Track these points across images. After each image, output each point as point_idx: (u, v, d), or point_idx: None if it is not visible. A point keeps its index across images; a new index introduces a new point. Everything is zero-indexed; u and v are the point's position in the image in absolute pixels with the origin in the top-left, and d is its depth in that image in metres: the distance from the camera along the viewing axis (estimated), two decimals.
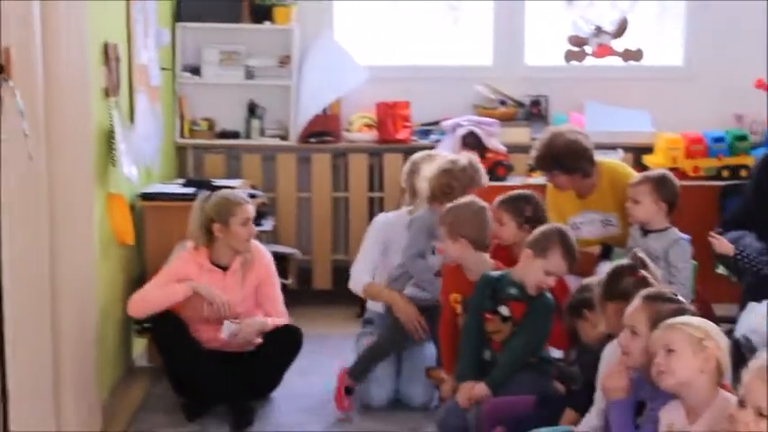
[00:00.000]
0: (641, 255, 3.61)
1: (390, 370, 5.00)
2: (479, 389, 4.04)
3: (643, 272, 3.51)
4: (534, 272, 4.08)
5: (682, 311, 3.16)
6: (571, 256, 4.09)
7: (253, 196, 5.37)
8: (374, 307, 5.22)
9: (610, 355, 3.42)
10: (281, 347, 4.91)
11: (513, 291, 4.12)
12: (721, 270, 5.80)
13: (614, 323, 3.46)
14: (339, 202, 6.80)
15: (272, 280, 5.05)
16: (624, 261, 3.62)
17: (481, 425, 3.91)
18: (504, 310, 4.13)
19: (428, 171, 4.94)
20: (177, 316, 4.79)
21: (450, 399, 4.18)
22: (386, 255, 5.11)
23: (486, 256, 4.44)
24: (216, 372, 4.76)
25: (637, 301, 3.23)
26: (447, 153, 5.33)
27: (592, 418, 3.49)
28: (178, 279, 4.80)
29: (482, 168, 4.99)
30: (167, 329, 4.78)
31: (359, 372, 4.86)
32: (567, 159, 5.02)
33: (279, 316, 5.00)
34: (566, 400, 3.81)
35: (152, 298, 4.78)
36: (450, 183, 4.83)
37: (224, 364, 4.80)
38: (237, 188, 5.67)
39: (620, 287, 3.49)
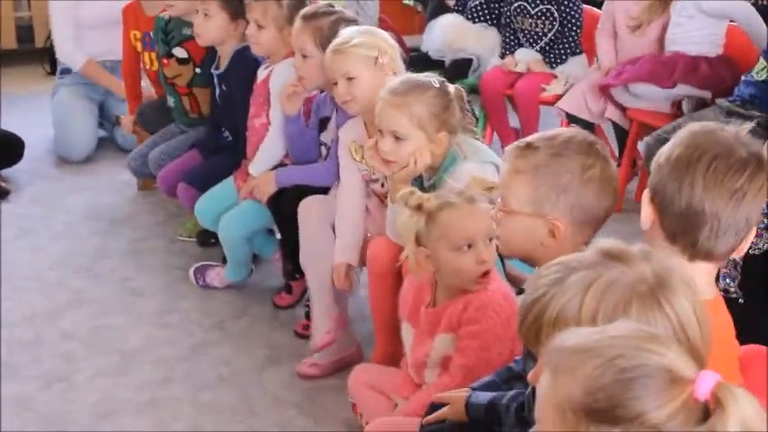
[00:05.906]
0: None
1: (91, 124, 4.89)
2: None
3: None
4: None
5: (340, 21, 3.13)
6: None
7: None
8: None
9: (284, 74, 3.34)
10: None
11: (187, 31, 3.87)
12: (408, 1, 5.96)
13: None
14: None
15: None
16: None
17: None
18: (179, 52, 3.97)
19: None
20: None
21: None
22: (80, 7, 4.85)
23: None
24: None
25: (297, 23, 3.18)
26: None
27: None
28: None
29: None
30: None
31: None
32: None
33: None
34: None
35: None
36: None
37: None
38: None
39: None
